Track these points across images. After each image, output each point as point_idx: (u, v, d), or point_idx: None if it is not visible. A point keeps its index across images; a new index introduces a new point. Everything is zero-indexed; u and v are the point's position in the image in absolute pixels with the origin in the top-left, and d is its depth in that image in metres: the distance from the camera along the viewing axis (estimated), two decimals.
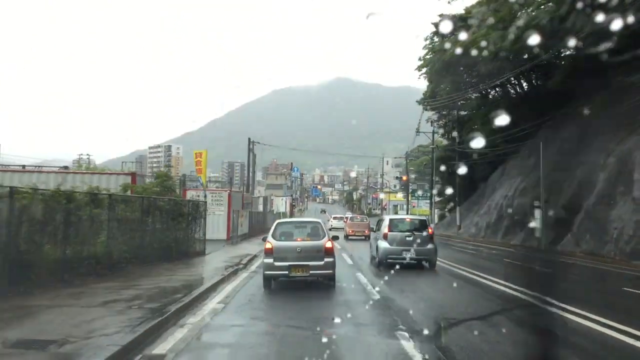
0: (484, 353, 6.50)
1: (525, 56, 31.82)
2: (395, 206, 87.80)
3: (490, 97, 45.10)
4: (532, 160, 34.43)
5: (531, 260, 21.72)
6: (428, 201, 58.91)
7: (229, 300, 10.04)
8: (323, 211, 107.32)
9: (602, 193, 23.54)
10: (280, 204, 70.53)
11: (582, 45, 23.15)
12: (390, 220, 17.13)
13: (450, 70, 41.12)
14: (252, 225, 33.79)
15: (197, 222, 18.29)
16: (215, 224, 27.88)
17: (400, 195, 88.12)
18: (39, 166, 26.79)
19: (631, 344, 6.97)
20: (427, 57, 45.12)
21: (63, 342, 6.27)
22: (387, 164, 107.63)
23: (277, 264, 10.94)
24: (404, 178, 64.10)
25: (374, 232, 18.41)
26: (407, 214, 57.27)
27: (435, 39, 44.52)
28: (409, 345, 6.43)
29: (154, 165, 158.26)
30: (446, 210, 58.13)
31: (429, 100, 47.91)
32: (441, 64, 40.20)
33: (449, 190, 54.30)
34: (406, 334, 6.96)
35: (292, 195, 79.73)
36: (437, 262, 18.13)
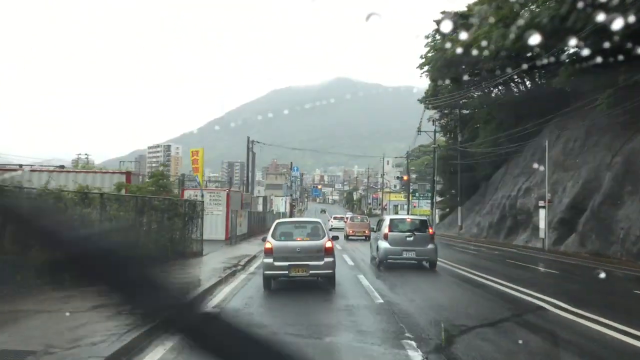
0: None
1: (529, 54, 31.43)
2: (395, 206, 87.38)
3: (493, 95, 44.61)
4: (536, 159, 33.98)
5: (536, 261, 21.38)
6: (429, 201, 58.46)
7: (225, 304, 9.58)
8: (323, 211, 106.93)
9: (608, 192, 23.07)
10: (280, 204, 70.10)
11: (585, 44, 22.79)
12: (391, 220, 17.02)
13: (452, 69, 40.71)
14: (252, 226, 33.33)
15: (194, 222, 17.81)
16: (214, 224, 27.41)
17: (401, 195, 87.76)
18: (30, 165, 26.33)
19: None
20: (429, 55, 44.66)
21: (43, 352, 5.81)
22: (388, 163, 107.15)
23: (276, 263, 10.86)
24: (405, 178, 63.65)
25: (375, 232, 18.32)
26: (408, 214, 56.83)
27: (437, 36, 44.11)
28: (416, 356, 5.96)
29: (153, 165, 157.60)
30: (447, 210, 57.70)
31: (431, 98, 47.46)
32: (443, 61, 39.76)
33: (451, 190, 53.94)
34: (413, 343, 6.48)
35: (291, 195, 79.28)
36: (440, 264, 17.75)
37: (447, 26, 44.32)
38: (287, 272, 10.88)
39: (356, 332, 7.22)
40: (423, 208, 62.49)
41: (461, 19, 38.93)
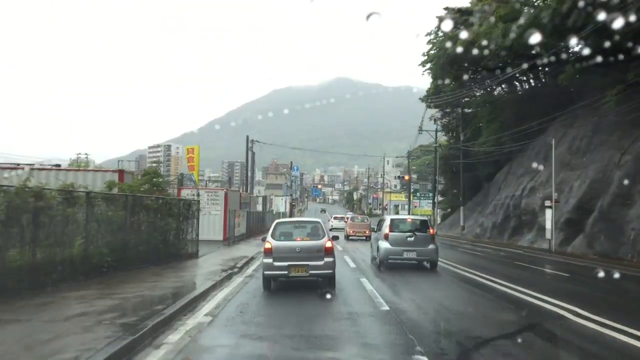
0: None
1: (533, 52, 30.74)
2: (396, 206, 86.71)
3: (496, 93, 43.88)
4: (540, 158, 33.26)
5: (544, 263, 20.63)
6: (430, 201, 57.73)
7: (218, 312, 8.84)
8: (323, 211, 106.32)
9: (618, 192, 22.32)
10: (280, 203, 69.42)
11: (591, 42, 22.12)
12: (392, 220, 16.81)
13: (454, 67, 40.00)
14: (250, 226, 32.60)
15: (189, 223, 17.08)
16: (211, 224, 26.73)
17: (401, 195, 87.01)
18: (30, 164, 25.55)
19: None
20: (432, 52, 43.92)
21: None
22: (388, 163, 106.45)
23: (276, 264, 10.81)
24: (406, 177, 62.86)
25: (375, 232, 18.15)
26: (409, 214, 56.12)
27: (440, 33, 43.35)
28: None
29: (153, 164, 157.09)
30: (449, 210, 56.95)
31: (432, 97, 46.71)
32: (446, 59, 39.00)
33: (452, 190, 53.21)
34: (425, 359, 5.76)
35: (291, 195, 78.53)
36: (446, 266, 17.12)
37: (448, 25, 43.62)
38: (286, 272, 10.79)
39: (361, 346, 6.49)
40: (424, 208, 61.81)
41: (464, 16, 38.24)
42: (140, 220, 13.66)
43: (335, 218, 52.20)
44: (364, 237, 32.32)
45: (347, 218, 44.11)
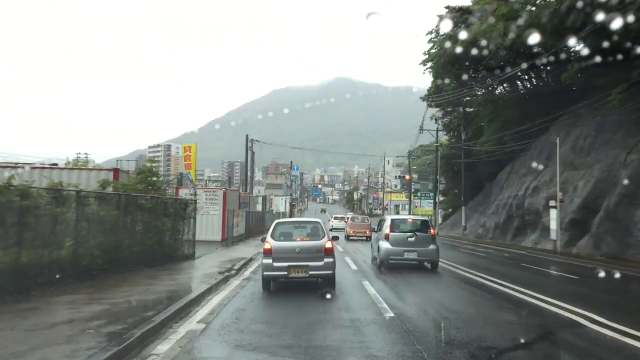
0: None
1: (535, 50, 30.27)
2: (396, 206, 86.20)
3: (498, 92, 43.36)
4: (543, 157, 32.75)
5: (551, 264, 20.11)
6: (431, 201, 57.22)
7: (212, 318, 8.34)
8: (323, 211, 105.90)
9: (624, 192, 21.81)
10: (280, 203, 68.98)
11: (591, 41, 21.69)
12: (392, 220, 16.69)
13: (455, 65, 39.50)
14: (250, 226, 32.11)
15: (186, 223, 16.57)
16: (210, 224, 26.25)
17: (402, 195, 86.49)
18: (30, 164, 25.00)
19: None
20: (432, 51, 43.41)
21: None
22: (388, 163, 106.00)
23: (276, 264, 10.73)
24: (407, 177, 62.33)
25: (375, 232, 18.06)
26: (410, 214, 55.64)
27: (441, 32, 42.85)
28: None
29: (147, 163, 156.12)
30: (450, 210, 56.42)
31: (434, 96, 46.18)
32: (447, 57, 38.47)
33: (454, 190, 52.68)
34: None
35: (291, 195, 78.02)
36: (451, 268, 16.66)
37: (448, 25, 43.09)
38: (286, 272, 10.70)
39: (365, 358, 5.97)
40: (425, 208, 61.39)
41: (465, 15, 37.76)
42: (134, 220, 13.15)
43: (335, 218, 51.82)
44: (365, 238, 31.98)
45: (348, 218, 43.69)
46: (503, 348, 6.44)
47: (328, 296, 10.51)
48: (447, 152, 50.30)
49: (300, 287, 11.65)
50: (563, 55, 27.61)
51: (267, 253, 10.85)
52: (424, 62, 45.19)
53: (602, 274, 15.61)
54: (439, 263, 16.05)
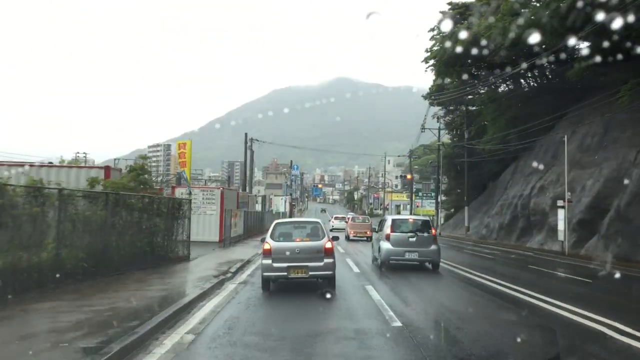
0: None
1: (541, 47, 29.58)
2: (397, 206, 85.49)
3: (500, 91, 42.62)
4: (549, 156, 32.04)
5: (559, 266, 19.33)
6: (432, 201, 56.49)
7: (202, 328, 7.60)
8: (323, 210, 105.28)
9: (636, 191, 21.07)
10: (280, 203, 68.23)
11: (597, 38, 21.04)
12: (393, 220, 16.54)
13: (458, 63, 38.77)
14: (248, 226, 31.39)
15: (180, 223, 15.84)
16: (207, 224, 25.55)
17: (403, 195, 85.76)
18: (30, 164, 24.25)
19: None
20: (435, 48, 42.68)
21: None
22: (389, 163, 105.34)
23: (275, 265, 10.66)
24: (409, 177, 61.59)
25: (376, 232, 17.88)
26: (411, 214, 54.91)
27: (443, 29, 42.13)
28: None
29: (153, 164, 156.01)
30: (452, 210, 55.68)
31: (436, 94, 45.47)
32: (450, 55, 37.74)
33: (456, 189, 51.91)
34: None
35: (291, 195, 77.28)
36: (458, 270, 16.00)
37: (448, 25, 42.41)
38: (286, 273, 10.63)
39: None
40: (426, 208, 60.59)
41: (468, 11, 37.07)
42: (123, 220, 12.42)
43: (336, 218, 51.19)
44: (365, 238, 31.37)
45: (348, 218, 43.00)
46: None
47: (329, 301, 9.84)
48: (449, 151, 49.56)
49: (299, 290, 11.10)
50: (568, 54, 27.01)
51: (267, 253, 10.72)
52: (426, 60, 44.50)
53: (614, 277, 14.91)
54: (444, 265, 15.47)
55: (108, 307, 8.47)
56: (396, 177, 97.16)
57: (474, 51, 31.49)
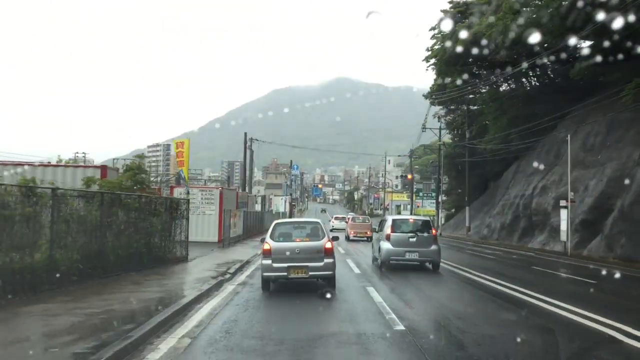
0: None
1: (544, 45, 29.35)
2: (398, 206, 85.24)
3: (503, 90, 42.36)
4: (552, 155, 31.80)
5: (563, 267, 19.08)
6: (433, 201, 56.24)
7: (199, 332, 7.36)
8: (323, 211, 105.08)
9: None
10: (280, 203, 67.95)
11: (601, 37, 20.81)
12: (393, 220, 16.50)
13: (460, 62, 38.53)
14: (248, 227, 31.14)
15: (178, 223, 15.59)
16: (206, 225, 25.31)
17: (403, 195, 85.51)
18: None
19: None
20: (436, 47, 42.43)
21: None
22: (389, 163, 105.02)
23: (275, 265, 10.66)
24: (409, 176, 61.32)
25: (376, 232, 17.85)
26: (412, 214, 54.67)
27: (446, 27, 41.84)
28: None
29: (152, 164, 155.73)
30: (453, 210, 55.43)
31: (437, 93, 45.20)
32: (451, 53, 37.51)
33: (457, 189, 51.65)
34: None
35: (291, 195, 77.01)
36: (460, 272, 15.77)
37: (448, 24, 42.15)
38: (286, 273, 10.63)
39: None
40: (427, 208, 60.33)
41: (470, 9, 36.82)
42: (119, 220, 12.17)
43: (336, 218, 50.98)
44: (366, 238, 31.18)
45: (348, 218, 42.79)
46: None
47: (329, 303, 9.61)
48: (450, 151, 49.32)
49: (299, 291, 10.93)
50: (568, 53, 26.78)
51: (267, 254, 10.71)
52: (427, 59, 44.26)
53: (619, 279, 14.65)
54: (445, 266, 15.26)
55: (102, 310, 8.23)
56: (396, 177, 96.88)
57: (475, 50, 31.30)
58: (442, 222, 53.23)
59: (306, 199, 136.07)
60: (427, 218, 20.22)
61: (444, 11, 40.93)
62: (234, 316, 8.53)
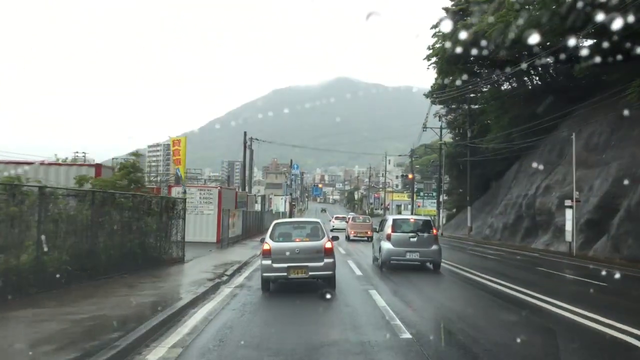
0: None
1: (546, 44, 28.92)
2: (398, 206, 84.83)
3: (504, 88, 41.91)
4: (555, 155, 31.37)
5: (568, 268, 18.60)
6: (434, 201, 55.79)
7: (191, 340, 6.90)
8: (324, 211, 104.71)
9: None
10: (280, 203, 67.52)
11: (604, 35, 20.37)
12: (394, 220, 16.36)
13: (461, 60, 38.08)
14: (247, 226, 30.70)
15: (174, 223, 15.15)
16: (204, 224, 24.87)
17: (404, 195, 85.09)
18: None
19: None
20: (437, 45, 41.96)
21: None
22: (390, 162, 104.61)
23: (275, 265, 10.58)
24: (410, 176, 60.89)
25: (377, 232, 17.77)
26: (412, 214, 54.23)
27: (447, 27, 41.40)
28: None
29: (152, 163, 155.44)
30: (454, 210, 54.97)
31: (438, 92, 44.76)
32: (452, 52, 37.05)
33: (458, 189, 51.21)
34: None
35: (291, 194, 76.55)
36: (464, 273, 15.36)
37: (449, 22, 41.74)
38: (285, 273, 10.55)
39: None
40: (428, 208, 59.90)
41: (472, 7, 36.37)
42: (112, 220, 11.71)
43: (336, 218, 50.59)
44: (366, 238, 30.79)
45: (349, 218, 42.38)
46: None
47: (330, 307, 9.18)
48: (451, 150, 48.87)
49: (298, 292, 10.62)
50: (570, 52, 26.34)
51: (266, 254, 10.62)
52: (428, 57, 43.78)
53: (628, 280, 14.21)
54: (448, 267, 14.88)
55: (90, 315, 7.78)
56: (397, 177, 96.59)
57: (476, 49, 30.86)
58: (444, 222, 52.80)
59: (306, 199, 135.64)
60: (428, 218, 19.97)
61: (446, 9, 40.46)
62: (230, 322, 8.07)
